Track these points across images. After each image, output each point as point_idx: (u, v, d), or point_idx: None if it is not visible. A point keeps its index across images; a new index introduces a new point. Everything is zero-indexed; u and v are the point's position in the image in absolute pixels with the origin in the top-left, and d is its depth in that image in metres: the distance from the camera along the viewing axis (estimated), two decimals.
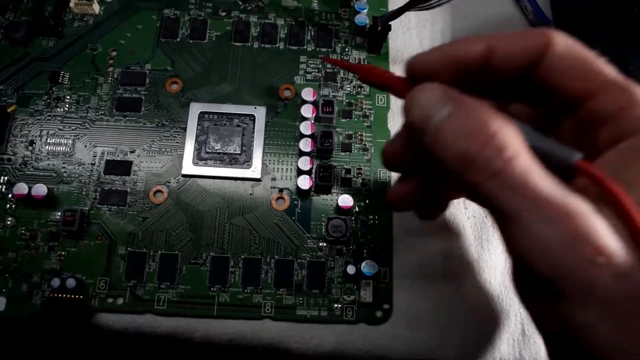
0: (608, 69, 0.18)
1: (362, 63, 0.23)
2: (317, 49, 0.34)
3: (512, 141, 0.16)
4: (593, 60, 0.18)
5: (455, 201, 0.31)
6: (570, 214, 0.14)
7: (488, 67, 0.19)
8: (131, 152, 0.31)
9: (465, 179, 0.16)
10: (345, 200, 0.30)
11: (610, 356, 0.14)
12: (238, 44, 0.34)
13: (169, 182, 0.30)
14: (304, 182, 0.30)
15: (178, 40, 0.34)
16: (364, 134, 0.32)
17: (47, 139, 0.31)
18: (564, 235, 0.14)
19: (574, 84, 0.18)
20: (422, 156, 0.19)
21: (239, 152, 0.31)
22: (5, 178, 0.30)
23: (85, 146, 0.31)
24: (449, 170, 0.17)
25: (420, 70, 0.19)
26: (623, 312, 0.14)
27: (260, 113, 0.32)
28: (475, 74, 0.19)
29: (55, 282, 0.28)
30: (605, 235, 0.14)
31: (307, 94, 0.31)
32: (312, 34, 0.34)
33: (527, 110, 0.21)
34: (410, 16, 0.35)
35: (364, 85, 0.33)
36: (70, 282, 0.28)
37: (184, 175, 0.31)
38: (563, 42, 0.18)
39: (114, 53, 0.33)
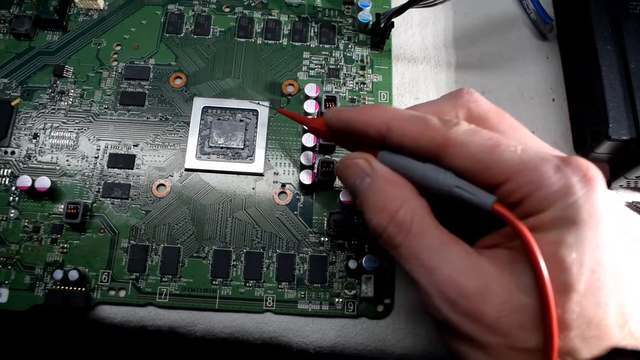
0: (511, 156, 0.18)
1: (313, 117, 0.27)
2: (321, 45, 0.34)
3: (410, 218, 0.20)
4: (493, 153, 0.19)
5: None
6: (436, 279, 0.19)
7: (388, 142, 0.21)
8: (134, 145, 0.31)
9: (380, 242, 0.21)
10: (347, 195, 0.30)
11: None
12: (242, 39, 0.34)
13: (172, 176, 0.31)
14: (307, 177, 0.30)
15: (182, 35, 0.34)
16: None
17: (50, 132, 0.31)
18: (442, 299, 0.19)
19: (479, 178, 0.19)
20: None
21: (241, 146, 0.31)
22: (9, 171, 0.30)
23: (89, 140, 0.31)
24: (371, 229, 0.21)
25: (332, 127, 0.24)
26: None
27: (263, 108, 0.32)
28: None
29: (58, 274, 0.28)
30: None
31: (310, 89, 0.31)
32: (316, 30, 0.34)
33: None
34: (413, 13, 0.35)
35: (366, 81, 0.33)
36: (73, 275, 0.28)
37: (187, 169, 0.31)
38: (459, 145, 0.19)
39: (118, 47, 0.33)
